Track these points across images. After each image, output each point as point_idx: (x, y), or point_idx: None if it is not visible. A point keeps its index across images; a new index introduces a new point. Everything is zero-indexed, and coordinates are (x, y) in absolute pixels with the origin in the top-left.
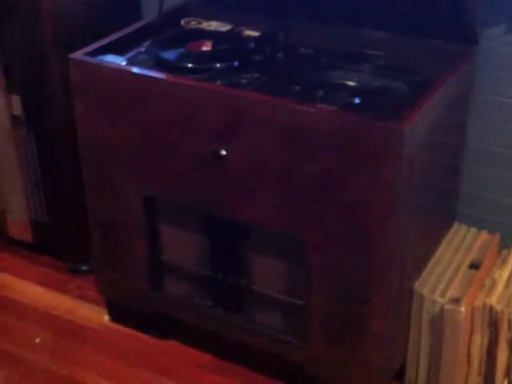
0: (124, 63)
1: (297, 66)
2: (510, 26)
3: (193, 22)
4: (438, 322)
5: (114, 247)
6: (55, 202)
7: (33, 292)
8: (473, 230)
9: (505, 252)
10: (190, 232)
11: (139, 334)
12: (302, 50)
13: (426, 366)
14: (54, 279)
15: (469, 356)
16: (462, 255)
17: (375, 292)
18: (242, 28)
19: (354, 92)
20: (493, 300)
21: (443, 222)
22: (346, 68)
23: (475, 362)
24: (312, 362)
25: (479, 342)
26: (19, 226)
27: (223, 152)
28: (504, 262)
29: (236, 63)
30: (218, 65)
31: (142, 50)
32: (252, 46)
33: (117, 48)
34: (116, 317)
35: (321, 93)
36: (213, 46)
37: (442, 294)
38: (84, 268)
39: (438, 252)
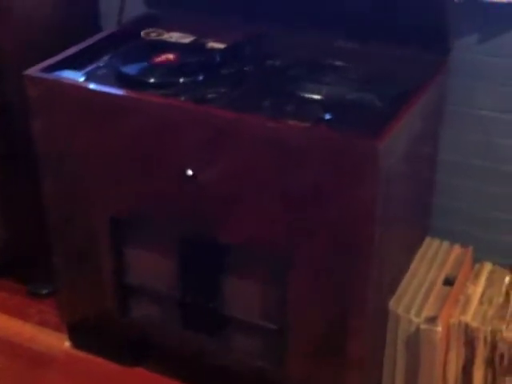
0: (82, 79)
1: (266, 79)
2: (482, 35)
3: (153, 34)
4: (414, 341)
5: (78, 268)
6: (14, 221)
7: None
8: (445, 244)
9: (477, 266)
10: (160, 252)
11: (103, 361)
12: (271, 62)
13: None
14: (13, 304)
15: (444, 375)
16: (436, 270)
17: (353, 313)
18: (205, 39)
19: (327, 106)
20: (468, 317)
21: (417, 236)
22: (317, 81)
23: (451, 381)
24: None
25: (455, 361)
26: None
27: (189, 172)
28: (477, 276)
29: (201, 77)
30: (182, 79)
31: (101, 64)
32: (218, 58)
33: (75, 62)
34: (78, 343)
35: (292, 107)
36: (176, 59)
37: (418, 313)
38: (45, 291)
39: (412, 267)
